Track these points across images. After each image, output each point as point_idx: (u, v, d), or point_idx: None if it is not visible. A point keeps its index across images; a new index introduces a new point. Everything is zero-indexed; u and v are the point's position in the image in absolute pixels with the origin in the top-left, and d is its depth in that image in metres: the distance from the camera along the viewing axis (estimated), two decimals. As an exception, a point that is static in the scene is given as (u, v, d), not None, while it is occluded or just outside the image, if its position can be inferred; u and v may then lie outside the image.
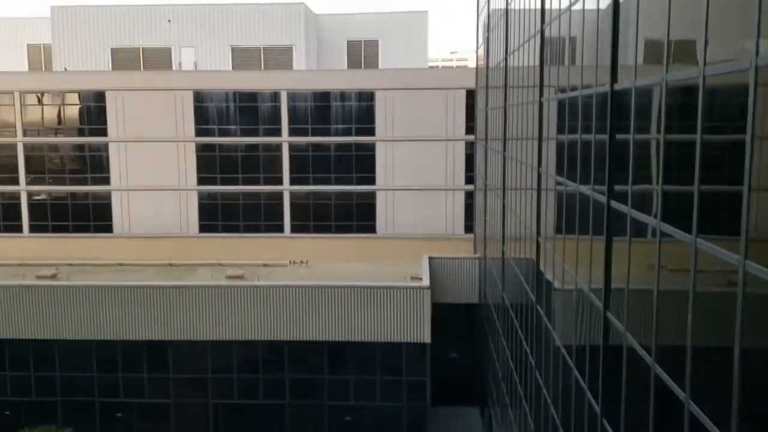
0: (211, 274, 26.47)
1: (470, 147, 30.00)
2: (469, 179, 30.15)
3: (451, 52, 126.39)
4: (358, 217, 31.21)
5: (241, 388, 23.28)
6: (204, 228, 30.83)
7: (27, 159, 30.45)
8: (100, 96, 30.38)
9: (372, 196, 31.12)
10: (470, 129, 29.71)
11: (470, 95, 29.64)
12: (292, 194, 30.96)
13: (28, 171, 30.51)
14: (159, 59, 35.04)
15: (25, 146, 30.42)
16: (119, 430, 23.11)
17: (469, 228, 30.29)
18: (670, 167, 6.26)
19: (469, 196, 30.21)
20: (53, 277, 25.39)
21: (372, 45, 38.91)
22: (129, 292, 22.65)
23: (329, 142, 30.67)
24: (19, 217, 30.56)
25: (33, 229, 30.62)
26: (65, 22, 34.70)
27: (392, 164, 30.84)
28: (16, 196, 30.54)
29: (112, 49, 34.92)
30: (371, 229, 31.18)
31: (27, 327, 22.38)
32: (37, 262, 28.02)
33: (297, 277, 25.62)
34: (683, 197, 5.79)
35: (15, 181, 30.44)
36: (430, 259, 25.93)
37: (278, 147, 30.67)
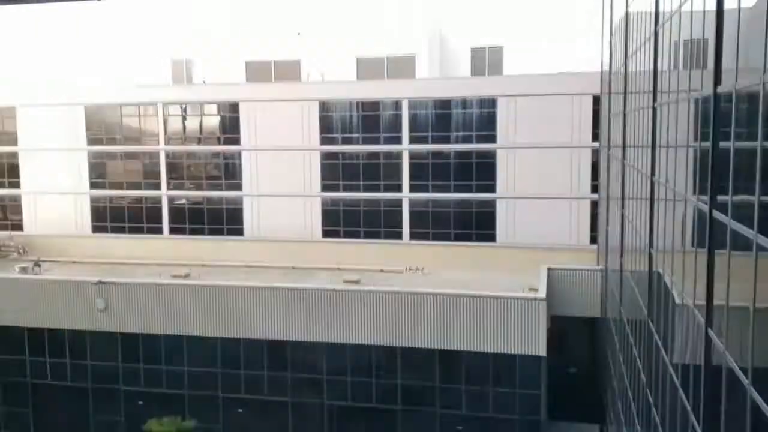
0: (330, 278, 27.27)
1: (597, 155, 28.94)
2: (595, 188, 29.08)
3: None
4: (477, 225, 30.96)
5: (355, 391, 23.76)
6: (326, 233, 31.82)
7: (168, 166, 32.86)
8: (234, 107, 32.24)
9: (492, 204, 30.78)
10: (596, 136, 28.68)
11: (597, 101, 28.63)
12: (412, 201, 31.25)
13: (169, 177, 32.92)
14: (289, 71, 36.60)
15: (167, 154, 32.86)
16: (239, 425, 24.31)
17: (594, 239, 29.20)
18: (771, 176, 5.77)
19: (595, 206, 29.12)
20: (186, 276, 27.20)
21: (496, 52, 38.49)
22: (253, 293, 23.81)
23: (450, 149, 30.69)
24: (160, 220, 33.04)
25: (172, 231, 32.98)
26: (204, 37, 37.13)
27: (513, 172, 30.36)
28: (158, 201, 33.04)
29: (246, 62, 36.91)
30: (491, 238, 30.82)
31: (160, 323, 24.11)
32: (174, 262, 30.14)
33: (413, 285, 25.81)
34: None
35: (157, 187, 32.95)
36: (549, 269, 25.24)
37: (398, 155, 31.09)
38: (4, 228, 33.89)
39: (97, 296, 23.95)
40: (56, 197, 33.62)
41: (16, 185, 34.09)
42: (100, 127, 33.39)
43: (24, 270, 28.32)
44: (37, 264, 29.40)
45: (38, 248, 32.50)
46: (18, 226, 34.02)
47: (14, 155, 33.97)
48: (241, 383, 24.16)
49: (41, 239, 33.14)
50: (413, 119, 30.88)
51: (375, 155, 31.41)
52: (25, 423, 25.63)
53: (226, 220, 32.59)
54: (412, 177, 31.07)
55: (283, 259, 30.30)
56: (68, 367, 25.07)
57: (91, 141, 33.28)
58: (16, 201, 34.27)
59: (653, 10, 11.91)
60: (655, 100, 11.88)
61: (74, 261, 31.13)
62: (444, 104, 30.93)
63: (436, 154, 30.95)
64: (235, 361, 24.15)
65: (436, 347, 22.89)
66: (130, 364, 24.66)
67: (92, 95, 33.38)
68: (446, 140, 30.81)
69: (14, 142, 33.85)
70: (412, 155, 31.01)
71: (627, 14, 16.66)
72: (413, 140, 30.87)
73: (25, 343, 25.29)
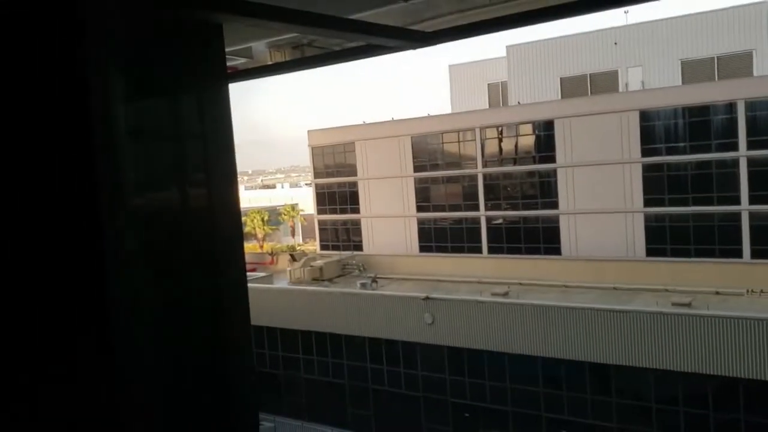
0: (656, 299, 25.41)
1: None
2: None
3: None
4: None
5: (688, 424, 21.70)
6: (651, 252, 29.82)
7: (486, 187, 34.01)
8: (549, 125, 32.17)
9: None
10: None
11: None
12: (752, 215, 27.73)
13: (486, 198, 34.05)
14: (605, 83, 35.39)
15: (484, 176, 34.05)
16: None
17: None
18: None
19: None
20: (505, 294, 27.72)
21: None
22: (573, 313, 23.30)
23: (801, 153, 26.66)
24: (479, 240, 34.29)
25: (490, 250, 33.97)
26: (518, 58, 37.83)
27: None
28: (477, 221, 34.36)
29: (560, 78, 36.66)
30: None
31: (483, 338, 24.88)
32: (493, 280, 30.95)
33: (754, 308, 22.78)
34: None
35: (476, 208, 34.29)
36: None
37: (734, 163, 27.89)
38: (348, 248, 38.37)
39: (425, 311, 25.70)
40: (389, 220, 37.06)
41: (357, 211, 38.40)
42: (424, 155, 35.99)
43: (364, 286, 31.68)
44: (374, 280, 32.66)
45: (374, 266, 36.10)
46: (359, 247, 38.25)
47: (354, 184, 38.35)
48: (564, 404, 23.70)
49: (377, 258, 36.77)
50: (752, 122, 27.47)
51: (705, 165, 28.62)
52: (368, 424, 28.42)
53: (542, 239, 32.52)
54: (752, 187, 27.57)
55: (603, 279, 29.12)
56: (402, 376, 27.24)
57: (417, 168, 36.05)
58: (356, 225, 38.60)
59: None
60: None
61: (404, 278, 33.91)
62: (791, 102, 27.01)
63: (786, 160, 27.11)
64: (556, 382, 23.81)
65: (789, 382, 19.83)
66: (457, 377, 25.85)
67: (417, 126, 36.20)
68: (797, 143, 26.84)
69: (354, 173, 38.25)
70: (752, 162, 27.56)
71: None
72: (752, 145, 27.43)
73: (366, 351, 28.16)
